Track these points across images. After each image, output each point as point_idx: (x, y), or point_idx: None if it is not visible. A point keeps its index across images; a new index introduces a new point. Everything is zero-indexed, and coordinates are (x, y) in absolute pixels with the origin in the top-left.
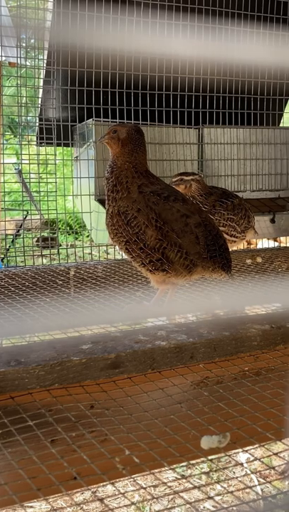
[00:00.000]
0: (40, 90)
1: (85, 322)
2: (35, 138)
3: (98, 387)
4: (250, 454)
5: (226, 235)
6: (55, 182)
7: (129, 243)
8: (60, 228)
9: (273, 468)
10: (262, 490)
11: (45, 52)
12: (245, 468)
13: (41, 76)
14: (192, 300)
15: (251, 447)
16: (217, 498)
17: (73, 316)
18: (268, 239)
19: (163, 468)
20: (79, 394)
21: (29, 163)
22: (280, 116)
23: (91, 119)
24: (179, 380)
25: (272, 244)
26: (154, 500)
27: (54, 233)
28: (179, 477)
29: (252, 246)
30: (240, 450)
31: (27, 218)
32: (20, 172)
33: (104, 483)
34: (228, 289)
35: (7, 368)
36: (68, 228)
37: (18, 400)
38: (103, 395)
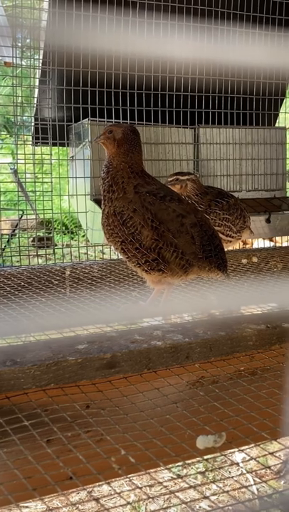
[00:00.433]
0: (36, 90)
1: (81, 322)
2: (30, 138)
3: (94, 387)
4: (245, 453)
5: (221, 235)
6: (51, 182)
7: (125, 243)
8: (55, 228)
9: (269, 467)
10: (257, 489)
11: (41, 52)
12: (241, 467)
13: (37, 76)
14: (188, 300)
15: (247, 447)
16: (213, 498)
17: (69, 315)
18: (264, 239)
19: (159, 468)
20: (75, 394)
21: (25, 163)
22: (276, 116)
23: (87, 119)
24: (175, 379)
25: (267, 244)
26: (150, 500)
27: (50, 233)
28: (175, 477)
29: (248, 246)
30: (235, 450)
31: (23, 218)
32: (15, 172)
33: (100, 483)
34: (223, 289)
35: (3, 368)
36: (64, 228)
37: (14, 399)
38: (99, 394)
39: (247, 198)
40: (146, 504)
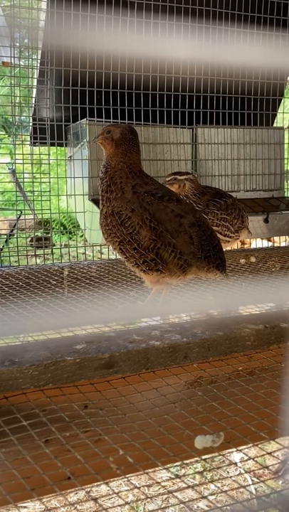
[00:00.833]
0: (34, 90)
1: (79, 322)
2: (29, 138)
3: (92, 387)
4: (244, 453)
5: (219, 235)
6: (49, 182)
7: (123, 243)
8: (53, 228)
9: (267, 467)
10: (256, 489)
11: (39, 51)
12: (239, 467)
13: (35, 76)
14: (186, 300)
15: (245, 447)
16: (211, 498)
17: (67, 315)
18: (262, 239)
19: (157, 468)
20: (73, 394)
21: (23, 163)
22: (274, 116)
23: (85, 119)
24: (173, 379)
25: (265, 244)
26: (148, 499)
27: (48, 233)
28: (173, 477)
29: (246, 246)
30: (234, 450)
31: (21, 218)
32: (14, 172)
33: (99, 483)
34: (222, 289)
35: (1, 368)
36: (62, 228)
37: (12, 400)
38: (97, 394)
39: (245, 198)
40: (145, 504)
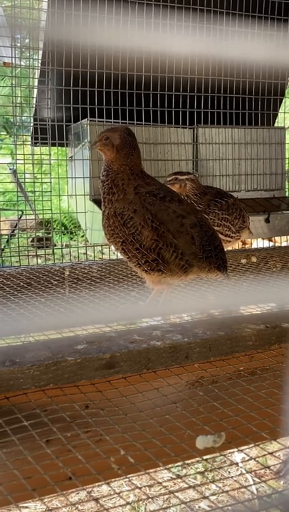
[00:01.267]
0: (35, 90)
1: (80, 322)
2: (30, 138)
3: (93, 387)
4: (245, 453)
5: (220, 235)
6: (50, 182)
7: (126, 243)
8: (55, 228)
9: (268, 467)
10: (257, 489)
11: (40, 52)
12: (241, 467)
13: (36, 76)
14: (187, 300)
15: (246, 447)
16: (212, 498)
17: (68, 316)
18: (263, 239)
19: (158, 468)
20: (74, 394)
21: (24, 163)
22: (275, 116)
23: (86, 119)
24: (174, 379)
25: (267, 244)
26: (150, 500)
27: (49, 233)
28: (174, 477)
29: (247, 246)
30: (235, 450)
31: (22, 218)
32: (15, 172)
33: (100, 483)
34: (223, 289)
35: (2, 368)
36: (63, 228)
37: (13, 400)
38: (98, 395)
39: (246, 197)
40: (146, 504)
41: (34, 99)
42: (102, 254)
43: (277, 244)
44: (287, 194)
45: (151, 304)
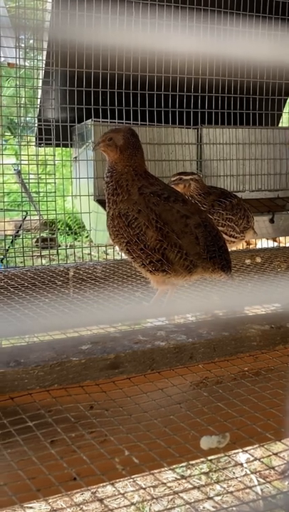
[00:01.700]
0: (39, 91)
1: (85, 322)
2: (34, 138)
3: (98, 387)
4: (249, 454)
5: (224, 235)
6: (54, 182)
7: (130, 244)
8: (59, 229)
9: (273, 468)
10: (262, 490)
11: (44, 52)
12: (245, 468)
13: (40, 77)
14: (191, 300)
15: (251, 447)
16: (217, 499)
17: (72, 316)
18: (267, 239)
19: (162, 469)
20: (78, 394)
21: (28, 164)
22: (279, 116)
23: (90, 120)
24: (179, 380)
25: (271, 244)
26: (154, 500)
27: (53, 234)
28: (179, 477)
29: (251, 246)
30: (239, 450)
31: (26, 219)
32: (19, 173)
33: (104, 484)
34: (227, 289)
35: (6, 369)
36: (67, 229)
37: (18, 400)
38: (103, 395)
39: (250, 198)
40: (150, 505)
41: (38, 100)
42: (107, 254)
43: (281, 245)
44: None
45: (155, 305)
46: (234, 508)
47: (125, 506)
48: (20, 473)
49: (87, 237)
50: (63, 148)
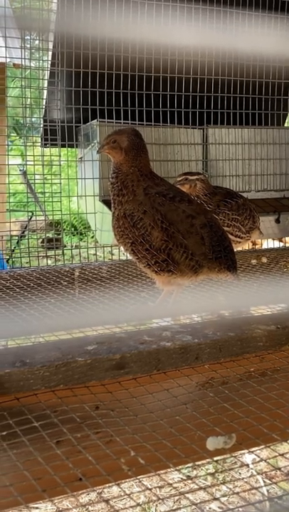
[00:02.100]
0: (45, 91)
1: (90, 323)
2: (39, 139)
3: (103, 387)
4: (256, 454)
5: (230, 236)
6: (60, 183)
7: (135, 244)
8: (64, 229)
9: (279, 469)
10: (268, 491)
11: (50, 53)
12: (251, 469)
13: (46, 77)
14: (197, 301)
15: (257, 448)
16: (223, 499)
17: (78, 316)
18: (273, 239)
19: (168, 470)
20: (84, 395)
21: (34, 165)
22: (285, 116)
23: (95, 120)
24: (184, 380)
25: (277, 244)
26: (160, 501)
27: (59, 234)
28: (185, 478)
29: (257, 246)
30: (246, 451)
31: (32, 219)
32: (25, 173)
33: (110, 484)
34: (233, 290)
35: (12, 369)
36: (73, 229)
37: (23, 400)
38: (108, 395)
39: (256, 198)
40: (156, 505)
41: (44, 101)
42: (112, 254)
43: (287, 245)
44: None
45: (161, 305)
46: (240, 509)
47: (131, 507)
48: (26, 473)
49: (92, 237)
50: (69, 149)
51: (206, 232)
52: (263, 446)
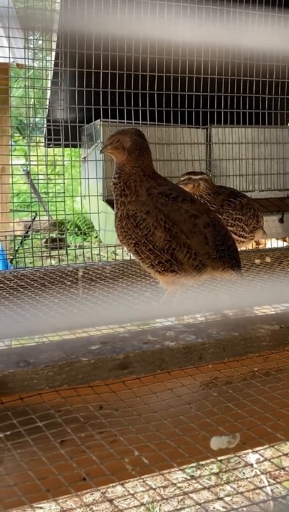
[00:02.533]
0: (48, 91)
1: (94, 322)
2: (43, 139)
3: (107, 387)
4: (259, 454)
5: (234, 235)
6: (64, 183)
7: (138, 245)
8: (68, 229)
9: (283, 468)
10: (272, 490)
11: (53, 53)
12: (255, 468)
13: (49, 77)
14: (201, 300)
15: (261, 448)
16: (227, 499)
17: (82, 316)
18: (277, 239)
19: (172, 469)
20: (88, 394)
21: (37, 165)
22: None
23: (99, 120)
24: (188, 380)
25: (281, 244)
26: (164, 501)
27: (62, 234)
28: (189, 478)
29: (261, 246)
30: (249, 451)
31: (35, 219)
32: (28, 173)
33: (114, 484)
34: (237, 289)
35: (16, 369)
36: (76, 229)
37: (27, 400)
38: (112, 395)
39: (260, 197)
40: (160, 505)
41: (47, 101)
42: (116, 254)
43: None
44: None
45: (164, 305)
46: (244, 509)
47: (135, 507)
48: (30, 473)
49: (96, 237)
50: (72, 149)
51: (209, 231)
52: (267, 446)
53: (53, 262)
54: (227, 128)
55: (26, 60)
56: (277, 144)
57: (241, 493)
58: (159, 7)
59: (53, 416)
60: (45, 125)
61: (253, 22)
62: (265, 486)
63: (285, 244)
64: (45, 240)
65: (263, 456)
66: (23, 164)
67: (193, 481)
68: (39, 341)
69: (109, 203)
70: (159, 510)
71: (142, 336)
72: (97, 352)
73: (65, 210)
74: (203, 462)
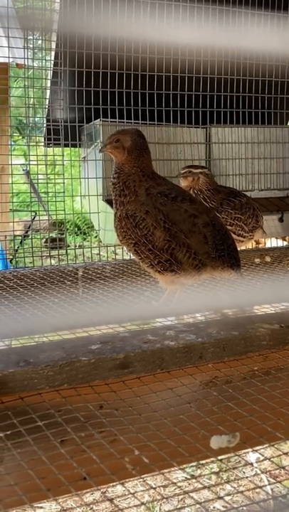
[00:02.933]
0: (48, 91)
1: (94, 322)
2: (42, 139)
3: (107, 387)
4: (260, 453)
5: (233, 235)
6: (63, 183)
7: (138, 245)
8: (68, 229)
9: (283, 467)
10: (272, 490)
11: (53, 53)
12: (255, 468)
13: (49, 77)
14: (201, 300)
15: (261, 447)
16: (227, 498)
17: (82, 316)
18: (277, 238)
19: (172, 469)
20: (88, 394)
21: (37, 164)
22: (288, 115)
23: (98, 120)
24: (188, 379)
25: (280, 243)
26: (164, 500)
27: (62, 234)
28: (189, 477)
29: (260, 245)
30: (249, 450)
31: (35, 219)
32: (28, 173)
33: (114, 484)
34: (236, 289)
35: (16, 369)
36: (76, 229)
37: (28, 400)
38: (112, 395)
39: (259, 197)
40: (161, 504)
41: (47, 100)
42: (116, 254)
43: None
44: None
45: (164, 304)
46: (244, 508)
47: (135, 506)
48: (31, 472)
49: (96, 237)
50: (72, 149)
51: (208, 231)
52: (267, 445)
53: (52, 261)
54: (227, 127)
55: (26, 60)
56: (276, 144)
57: (241, 492)
58: (159, 7)
59: (53, 415)
60: (44, 125)
61: (252, 22)
62: (265, 485)
63: (285, 243)
64: (44, 239)
65: (263, 455)
66: (23, 164)
67: (194, 481)
68: (39, 341)
69: (109, 202)
70: (160, 509)
71: (142, 336)
72: (98, 351)
73: (64, 210)
74: (204, 461)
